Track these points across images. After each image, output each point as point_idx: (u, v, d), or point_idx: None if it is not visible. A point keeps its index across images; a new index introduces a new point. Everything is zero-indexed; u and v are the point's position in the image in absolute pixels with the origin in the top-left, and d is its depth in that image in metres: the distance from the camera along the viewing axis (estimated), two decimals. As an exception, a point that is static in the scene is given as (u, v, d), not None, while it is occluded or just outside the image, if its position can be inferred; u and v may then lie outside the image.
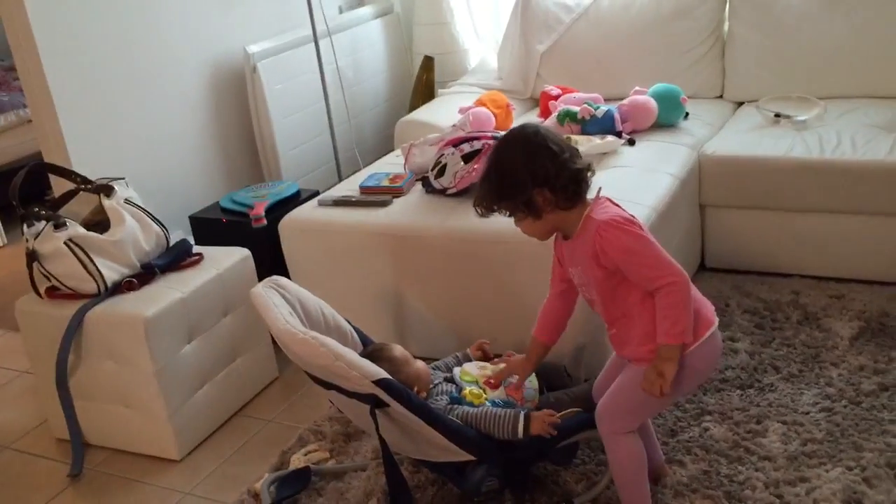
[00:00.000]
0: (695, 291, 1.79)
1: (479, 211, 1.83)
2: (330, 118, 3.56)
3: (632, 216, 1.78)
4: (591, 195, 1.83)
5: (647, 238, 1.73)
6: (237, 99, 3.47)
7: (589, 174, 1.79)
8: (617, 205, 1.83)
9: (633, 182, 2.68)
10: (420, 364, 2.07)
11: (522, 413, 1.90)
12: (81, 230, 2.39)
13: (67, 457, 2.45)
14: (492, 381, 2.10)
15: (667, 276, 1.70)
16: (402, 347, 2.10)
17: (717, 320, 1.81)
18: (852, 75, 3.19)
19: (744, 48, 3.39)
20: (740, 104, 3.42)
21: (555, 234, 1.88)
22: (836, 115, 3.05)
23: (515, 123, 3.42)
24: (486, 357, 2.21)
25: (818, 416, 2.22)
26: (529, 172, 1.71)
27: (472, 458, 1.86)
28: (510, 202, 1.76)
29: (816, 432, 2.16)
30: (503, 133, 1.81)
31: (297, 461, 2.27)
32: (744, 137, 3.00)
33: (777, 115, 3.09)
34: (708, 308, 1.83)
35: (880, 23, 3.12)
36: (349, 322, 2.20)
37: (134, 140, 3.07)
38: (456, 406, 1.96)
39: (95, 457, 2.49)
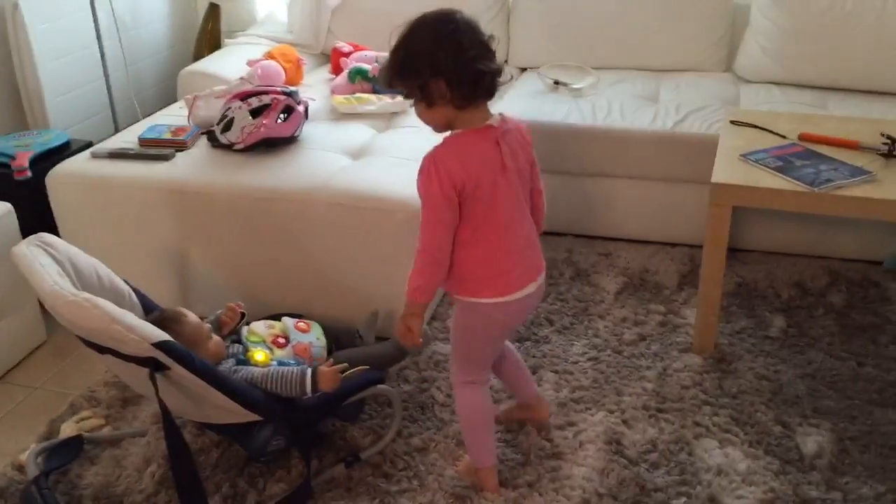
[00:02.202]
0: (501, 258, 1.76)
1: (381, 81, 1.76)
2: (104, 63, 3.31)
3: (455, 168, 1.67)
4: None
5: (430, 200, 1.69)
6: (-5, 37, 3.15)
7: (497, 79, 1.69)
8: (500, 149, 1.71)
9: (421, 143, 2.69)
10: (214, 341, 1.98)
11: (310, 370, 1.90)
12: None
13: None
14: (280, 339, 2.09)
15: (421, 240, 1.72)
16: (196, 317, 2.00)
17: (497, 297, 1.77)
18: (622, 48, 3.43)
19: (526, 17, 3.53)
20: (524, 70, 3.57)
21: None
22: (607, 84, 3.27)
23: (306, 78, 3.37)
24: (233, 325, 2.14)
25: (586, 364, 2.41)
26: (430, 60, 1.63)
27: (257, 418, 1.84)
28: (406, 83, 1.69)
29: (584, 380, 2.34)
30: (423, 14, 1.68)
31: (67, 429, 2.14)
32: (526, 103, 3.14)
33: (556, 83, 3.26)
34: (496, 282, 1.77)
35: (648, 1, 3.36)
36: (128, 283, 2.09)
37: None
38: (241, 368, 1.92)
39: None
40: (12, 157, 2.70)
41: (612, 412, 2.21)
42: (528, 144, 1.82)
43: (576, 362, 2.42)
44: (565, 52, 3.47)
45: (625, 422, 2.18)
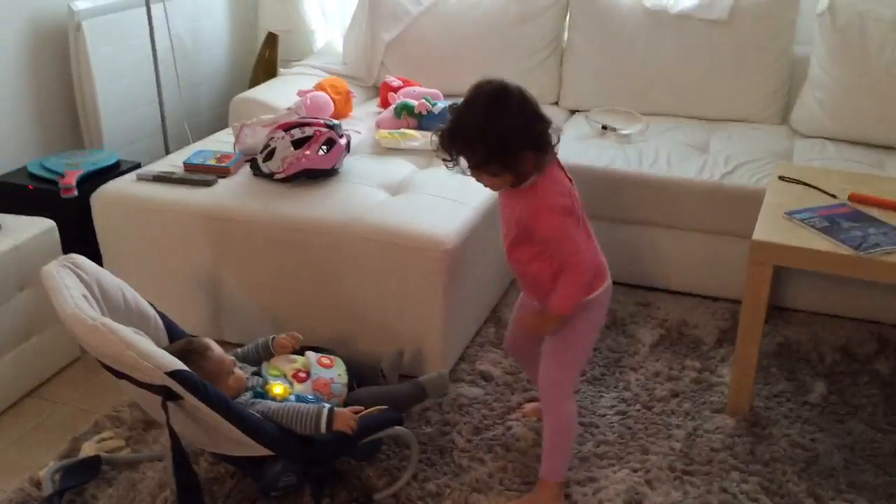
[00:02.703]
0: (596, 250, 1.96)
1: (446, 158, 1.84)
2: (159, 87, 3.39)
3: (568, 201, 1.84)
4: None
5: (568, 232, 1.83)
6: (58, 58, 3.24)
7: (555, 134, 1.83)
8: (564, 172, 1.90)
9: (462, 181, 2.68)
10: (235, 376, 1.98)
11: (326, 409, 1.88)
12: None
13: None
14: (301, 373, 2.08)
15: (577, 268, 1.85)
16: (221, 350, 2.00)
17: (606, 282, 1.99)
18: (674, 95, 3.37)
19: (580, 59, 3.51)
20: (573, 112, 3.55)
21: None
22: (657, 131, 3.22)
23: (355, 111, 3.40)
24: (290, 350, 2.15)
25: (613, 418, 2.34)
26: (527, 135, 1.74)
27: (269, 453, 1.82)
28: (499, 161, 1.76)
29: (609, 434, 2.27)
30: (484, 85, 1.77)
31: (88, 449, 2.16)
32: (572, 146, 3.10)
33: (604, 127, 3.22)
34: (605, 267, 1.99)
35: (703, 49, 3.31)
36: (155, 307, 2.10)
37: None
38: (258, 401, 1.91)
39: None
40: (61, 175, 2.77)
41: (635, 471, 2.14)
42: None
43: (603, 415, 2.35)
44: (616, 97, 3.43)
45: (648, 482, 2.10)
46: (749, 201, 2.71)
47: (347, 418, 1.86)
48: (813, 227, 2.21)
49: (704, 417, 2.34)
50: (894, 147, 3.04)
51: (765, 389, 2.45)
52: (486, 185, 1.88)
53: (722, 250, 2.89)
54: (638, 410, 2.37)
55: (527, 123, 1.76)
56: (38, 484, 2.07)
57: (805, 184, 2.50)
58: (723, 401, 2.40)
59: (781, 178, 2.56)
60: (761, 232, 2.21)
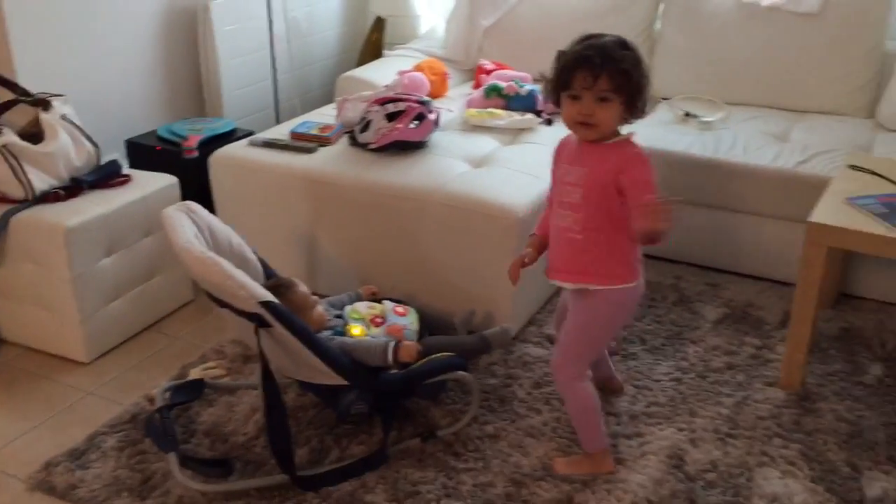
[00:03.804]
0: (638, 250, 2.05)
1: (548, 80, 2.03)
2: (274, 65, 3.71)
3: None
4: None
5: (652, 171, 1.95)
6: (187, 35, 3.60)
7: None
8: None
9: (541, 159, 2.87)
10: (317, 311, 2.25)
11: (392, 342, 2.12)
12: (15, 139, 2.54)
13: (-18, 349, 2.63)
14: (378, 318, 2.33)
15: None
16: (306, 288, 2.28)
17: (642, 280, 2.08)
18: (761, 86, 3.45)
19: (670, 49, 3.63)
20: (661, 100, 3.66)
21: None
22: (738, 119, 3.31)
23: (451, 92, 3.62)
24: (373, 299, 2.42)
25: (667, 384, 2.49)
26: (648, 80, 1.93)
27: (344, 382, 2.08)
28: (638, 89, 1.89)
29: (661, 397, 2.43)
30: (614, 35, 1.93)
31: (194, 374, 2.48)
32: (652, 131, 3.22)
33: (687, 114, 3.34)
34: (637, 265, 2.07)
35: (790, 40, 3.38)
36: (256, 253, 2.39)
37: (81, 61, 3.19)
38: (336, 338, 2.17)
39: (9, 352, 2.67)
40: (185, 138, 3.12)
41: (681, 430, 2.29)
42: None
43: (658, 381, 2.50)
44: (704, 87, 3.52)
45: (692, 441, 2.25)
46: (822, 190, 2.77)
47: (411, 349, 2.10)
48: (871, 212, 2.29)
49: (755, 389, 2.46)
50: (980, 143, 3.04)
51: (820, 368, 2.55)
52: (602, 121, 1.90)
53: (794, 236, 2.93)
54: (692, 378, 2.51)
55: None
56: (151, 399, 2.40)
57: (875, 173, 2.56)
58: (777, 376, 2.51)
59: (852, 167, 2.63)
60: (819, 215, 2.31)
